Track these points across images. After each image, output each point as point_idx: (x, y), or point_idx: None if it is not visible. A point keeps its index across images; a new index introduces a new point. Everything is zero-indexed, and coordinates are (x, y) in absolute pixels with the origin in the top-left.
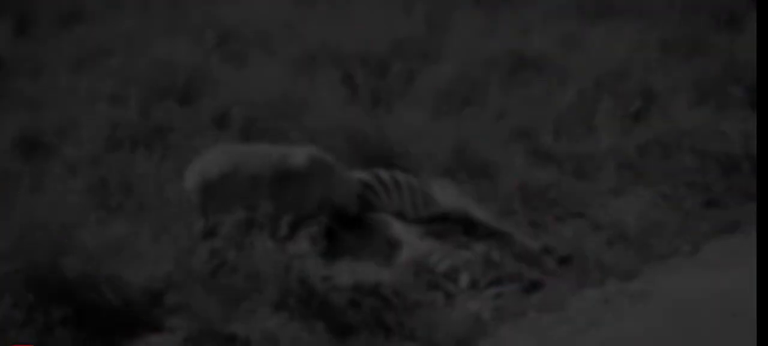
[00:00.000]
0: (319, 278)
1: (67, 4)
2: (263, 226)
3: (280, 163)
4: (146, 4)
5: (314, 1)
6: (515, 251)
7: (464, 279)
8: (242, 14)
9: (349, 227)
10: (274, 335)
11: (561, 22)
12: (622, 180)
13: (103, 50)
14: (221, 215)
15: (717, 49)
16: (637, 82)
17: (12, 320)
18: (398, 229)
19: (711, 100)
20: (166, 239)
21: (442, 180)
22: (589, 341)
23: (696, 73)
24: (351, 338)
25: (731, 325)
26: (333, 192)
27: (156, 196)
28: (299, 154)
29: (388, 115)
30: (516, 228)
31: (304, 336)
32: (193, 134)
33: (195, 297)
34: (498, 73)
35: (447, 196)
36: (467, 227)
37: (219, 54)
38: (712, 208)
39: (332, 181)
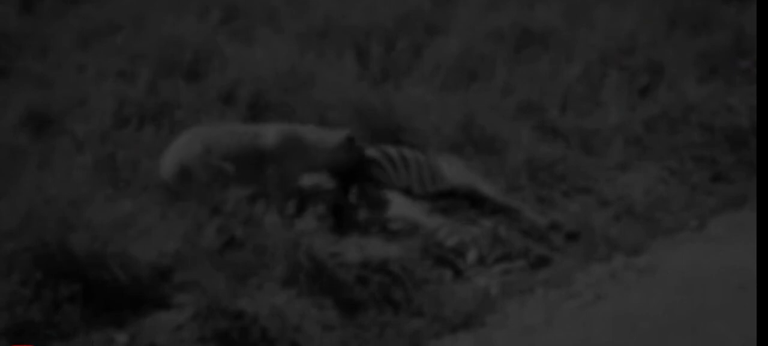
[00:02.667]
0: (327, 254)
1: None
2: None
3: (251, 144)
4: None
5: None
6: (522, 227)
7: (472, 255)
8: None
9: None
10: (282, 311)
11: None
12: (629, 155)
13: (110, 27)
14: (198, 199)
15: (724, 23)
16: (644, 56)
17: (20, 296)
18: (404, 205)
19: (718, 74)
20: (174, 216)
21: (449, 156)
22: (596, 315)
23: (703, 47)
24: (359, 313)
25: (738, 298)
26: (312, 162)
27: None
28: (269, 134)
29: (395, 90)
30: (523, 203)
31: (312, 312)
32: (200, 111)
33: (203, 273)
34: (504, 48)
35: (454, 171)
36: (474, 203)
37: (226, 30)
38: (719, 182)
39: (308, 153)
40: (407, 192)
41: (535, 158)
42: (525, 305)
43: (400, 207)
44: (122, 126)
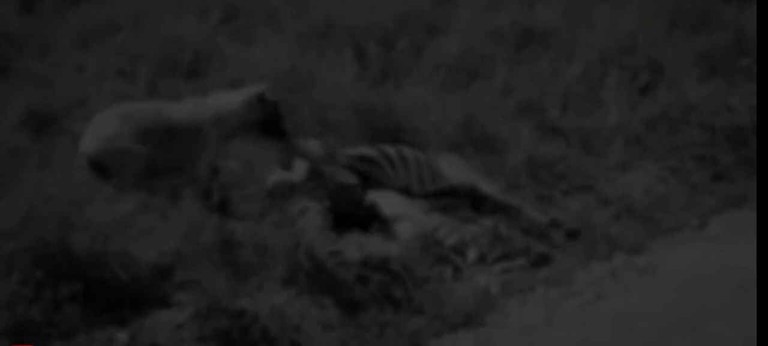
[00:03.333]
0: (328, 253)
1: None
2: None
3: (168, 119)
4: None
5: None
6: (523, 225)
7: (472, 253)
8: None
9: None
10: (282, 311)
11: None
12: (630, 154)
13: (110, 27)
14: (119, 177)
15: (724, 23)
16: (644, 55)
17: (20, 296)
18: (401, 204)
19: (719, 73)
20: (174, 215)
21: (449, 154)
22: (596, 314)
23: (703, 47)
24: (359, 312)
25: (738, 298)
26: (229, 128)
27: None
28: (183, 109)
29: (395, 90)
30: (523, 202)
31: (312, 311)
32: None
33: (203, 273)
34: (504, 48)
35: (454, 170)
36: (475, 202)
37: (226, 30)
38: (720, 181)
39: (219, 120)
40: (406, 191)
41: (535, 157)
42: (525, 304)
43: (397, 206)
44: None
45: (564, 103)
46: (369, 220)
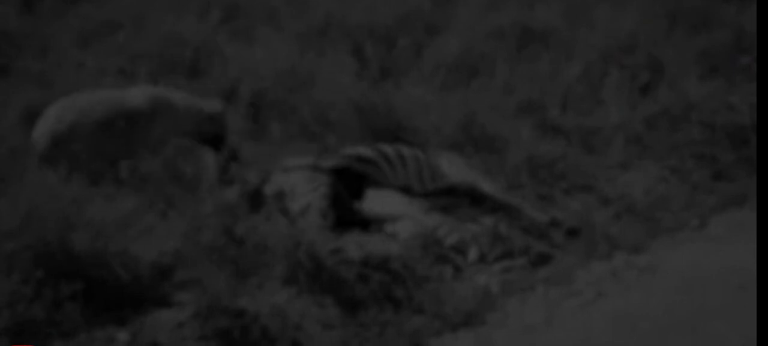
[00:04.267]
0: (328, 252)
1: None
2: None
3: (120, 106)
4: None
5: None
6: (523, 224)
7: (472, 253)
8: None
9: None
10: (282, 310)
11: None
12: (630, 153)
13: (110, 26)
14: (72, 165)
15: (724, 22)
16: (644, 54)
17: (21, 295)
18: (401, 204)
19: (719, 72)
20: (174, 214)
21: (449, 153)
22: (596, 314)
23: (704, 46)
24: (360, 312)
25: (739, 298)
26: (179, 127)
27: (164, 171)
28: (138, 94)
29: (395, 89)
30: (524, 201)
31: (313, 310)
32: None
33: (204, 272)
34: (505, 47)
35: (454, 169)
36: (475, 201)
37: (226, 30)
38: (721, 181)
39: (178, 118)
40: (406, 190)
41: (535, 156)
42: (525, 303)
43: (397, 206)
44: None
45: (564, 102)
46: (368, 220)
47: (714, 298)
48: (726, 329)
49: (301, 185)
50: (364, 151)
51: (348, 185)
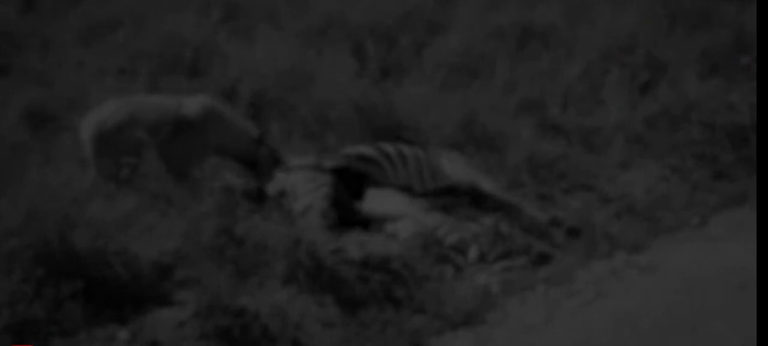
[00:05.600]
0: (328, 252)
1: None
2: None
3: (175, 113)
4: None
5: None
6: (523, 224)
7: (473, 252)
8: None
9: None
10: (283, 309)
11: None
12: (630, 153)
13: (110, 25)
14: (117, 166)
15: (724, 21)
16: (644, 54)
17: (22, 294)
18: (401, 203)
19: (719, 71)
20: (174, 214)
21: (450, 152)
22: (596, 313)
23: (704, 45)
24: (360, 311)
25: (738, 298)
26: (228, 140)
27: (164, 170)
28: (193, 104)
29: (396, 88)
30: (524, 200)
31: (313, 310)
32: None
33: (204, 271)
34: (505, 46)
35: (455, 168)
36: (475, 200)
37: (227, 28)
38: (721, 180)
39: (226, 129)
40: (407, 189)
41: (536, 156)
42: (526, 303)
43: (397, 205)
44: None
45: (565, 101)
46: (369, 219)
47: (714, 297)
48: (726, 329)
49: (302, 184)
50: (366, 150)
51: (349, 184)
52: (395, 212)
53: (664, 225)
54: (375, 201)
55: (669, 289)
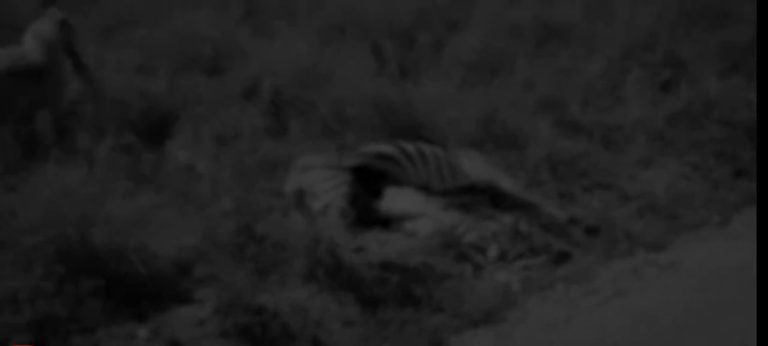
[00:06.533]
0: (348, 250)
1: None
2: None
3: (18, 60)
4: None
5: None
6: (543, 222)
7: (492, 251)
8: None
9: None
10: (303, 307)
11: None
12: (651, 150)
13: (129, 22)
14: None
15: (744, 18)
16: (665, 51)
17: (42, 291)
18: (420, 202)
19: (739, 69)
20: (192, 211)
21: (469, 151)
22: (616, 311)
23: (723, 42)
24: (380, 309)
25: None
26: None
27: (183, 167)
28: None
29: (415, 86)
30: (544, 199)
31: (333, 308)
32: (220, 105)
33: (223, 268)
34: (525, 43)
35: (474, 166)
36: (495, 198)
37: (246, 26)
38: (742, 178)
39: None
40: (426, 188)
41: (555, 154)
42: (545, 301)
43: (416, 204)
44: (142, 121)
45: (585, 99)
46: (388, 218)
47: (735, 295)
48: (746, 327)
49: (321, 183)
50: (385, 148)
51: (368, 182)
52: (414, 210)
53: (684, 223)
54: (394, 200)
55: (689, 287)
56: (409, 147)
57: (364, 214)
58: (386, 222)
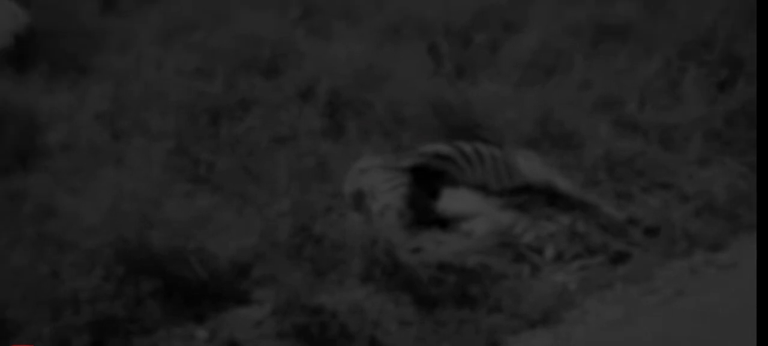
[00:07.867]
0: (405, 251)
1: None
2: None
3: None
4: None
5: None
6: (601, 222)
7: (550, 251)
8: None
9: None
10: (360, 307)
11: None
12: (710, 150)
13: (188, 24)
14: None
15: None
16: (723, 50)
17: (103, 292)
18: (477, 202)
19: None
20: (250, 212)
21: (526, 151)
22: (675, 311)
23: None
24: (437, 309)
25: None
26: None
27: (240, 169)
28: None
29: (472, 86)
30: (601, 199)
31: (390, 308)
32: (278, 107)
33: (281, 269)
34: (582, 42)
35: (531, 167)
36: (552, 199)
37: (303, 26)
38: None
39: None
40: (483, 188)
41: (613, 153)
42: (604, 301)
43: (473, 204)
44: (201, 122)
45: (642, 98)
46: (445, 219)
47: None
48: None
49: (379, 184)
50: (443, 148)
51: (425, 183)
52: (471, 210)
53: (743, 223)
54: (451, 200)
55: (749, 287)
56: (467, 147)
57: (422, 214)
58: (443, 222)
